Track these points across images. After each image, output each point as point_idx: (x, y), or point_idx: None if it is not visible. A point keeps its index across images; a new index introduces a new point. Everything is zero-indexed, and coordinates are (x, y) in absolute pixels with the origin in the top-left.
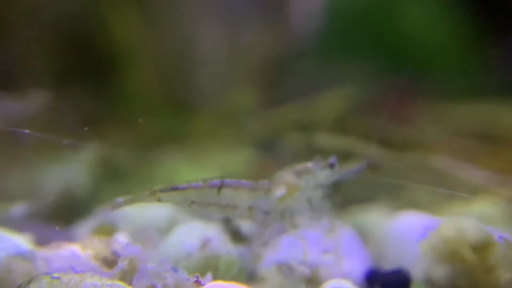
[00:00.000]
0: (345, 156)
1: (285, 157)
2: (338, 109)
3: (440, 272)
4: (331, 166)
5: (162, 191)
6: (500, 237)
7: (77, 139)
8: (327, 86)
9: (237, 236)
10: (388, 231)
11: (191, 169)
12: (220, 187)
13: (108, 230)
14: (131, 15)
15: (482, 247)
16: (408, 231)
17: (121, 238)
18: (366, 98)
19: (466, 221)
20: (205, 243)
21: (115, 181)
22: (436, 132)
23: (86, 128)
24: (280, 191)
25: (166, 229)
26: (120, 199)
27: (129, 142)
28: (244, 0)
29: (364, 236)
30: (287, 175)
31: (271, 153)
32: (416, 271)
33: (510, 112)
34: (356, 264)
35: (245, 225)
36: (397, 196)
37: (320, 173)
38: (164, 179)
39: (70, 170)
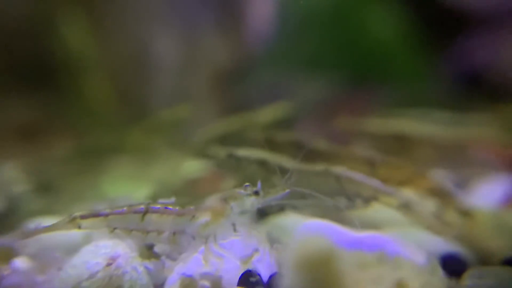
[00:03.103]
0: (262, 166)
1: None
2: (273, 121)
3: (296, 281)
4: (256, 193)
5: (82, 217)
6: None
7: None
8: (274, 95)
9: (150, 252)
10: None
11: (132, 183)
12: (144, 213)
13: (4, 255)
14: (78, 22)
15: (328, 260)
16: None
17: (19, 263)
18: (304, 111)
19: (319, 236)
20: (110, 262)
21: (45, 196)
22: (352, 144)
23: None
24: (204, 217)
25: (76, 249)
26: (32, 226)
27: (68, 153)
28: (200, 8)
29: (275, 243)
30: (213, 201)
31: (216, 164)
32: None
33: (422, 125)
34: (261, 272)
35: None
36: (306, 204)
37: (246, 200)
38: (102, 194)
39: None
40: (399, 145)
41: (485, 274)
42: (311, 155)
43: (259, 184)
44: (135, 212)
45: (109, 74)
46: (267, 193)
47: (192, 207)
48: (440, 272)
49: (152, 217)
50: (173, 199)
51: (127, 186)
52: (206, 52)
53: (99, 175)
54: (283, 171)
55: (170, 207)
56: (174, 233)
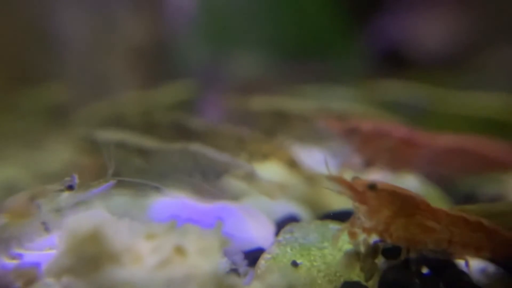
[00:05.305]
0: (122, 148)
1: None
2: (174, 100)
3: (65, 262)
4: (70, 188)
5: None
6: None
7: None
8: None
9: None
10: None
11: None
12: None
13: None
14: None
15: (96, 237)
16: (159, 215)
17: None
18: (210, 89)
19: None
20: None
21: None
22: (236, 122)
23: None
24: (1, 219)
25: None
26: None
27: None
28: None
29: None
30: (15, 201)
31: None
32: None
33: (297, 102)
34: None
35: None
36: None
37: (57, 196)
38: None
39: None
40: (278, 121)
41: (295, 229)
42: (189, 134)
43: (74, 177)
44: None
45: None
46: (89, 186)
47: None
48: (220, 234)
49: None
50: None
51: None
52: (122, 28)
53: None
54: (143, 152)
55: None
56: None
